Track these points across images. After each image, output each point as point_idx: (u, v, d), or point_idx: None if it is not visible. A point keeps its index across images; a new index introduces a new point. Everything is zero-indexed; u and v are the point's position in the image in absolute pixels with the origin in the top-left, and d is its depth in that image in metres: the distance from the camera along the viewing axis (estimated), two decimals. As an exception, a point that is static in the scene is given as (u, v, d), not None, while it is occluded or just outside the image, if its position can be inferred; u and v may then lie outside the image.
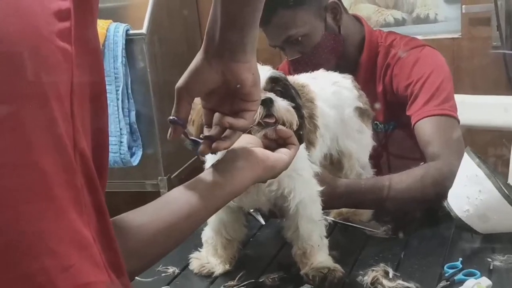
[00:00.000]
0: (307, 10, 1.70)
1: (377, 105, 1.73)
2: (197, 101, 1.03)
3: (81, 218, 0.62)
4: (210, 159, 1.18)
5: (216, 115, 1.00)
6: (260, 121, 1.10)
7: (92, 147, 0.67)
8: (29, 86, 0.58)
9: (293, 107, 1.15)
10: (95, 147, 0.68)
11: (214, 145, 0.97)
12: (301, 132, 1.18)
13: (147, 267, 0.96)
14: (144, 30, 2.54)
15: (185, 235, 0.97)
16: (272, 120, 1.11)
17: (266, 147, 1.07)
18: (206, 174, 0.99)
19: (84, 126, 0.65)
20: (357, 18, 1.86)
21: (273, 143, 1.09)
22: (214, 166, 1.00)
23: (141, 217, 0.92)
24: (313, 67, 1.58)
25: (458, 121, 1.63)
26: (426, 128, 1.61)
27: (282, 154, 1.05)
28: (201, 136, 1.00)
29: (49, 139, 0.59)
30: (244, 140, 1.05)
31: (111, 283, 0.65)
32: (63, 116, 0.61)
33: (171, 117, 0.97)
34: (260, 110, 1.10)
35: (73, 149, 0.62)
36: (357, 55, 1.80)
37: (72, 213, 0.61)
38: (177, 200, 0.95)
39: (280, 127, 1.09)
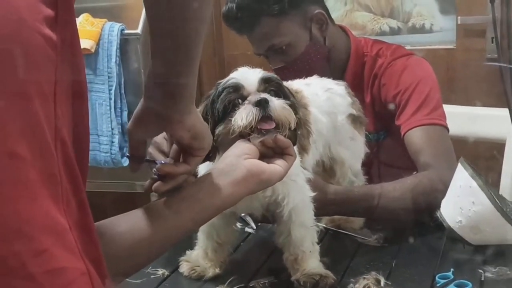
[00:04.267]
0: (291, 20, 1.70)
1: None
2: None
3: (57, 205, 0.61)
4: (203, 167, 1.18)
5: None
6: (259, 128, 1.09)
7: (73, 145, 0.67)
8: (7, 73, 0.57)
9: (289, 105, 1.14)
10: (76, 145, 0.67)
11: (154, 186, 0.97)
12: (298, 132, 1.18)
13: (130, 273, 0.95)
14: (139, 30, 2.53)
15: (169, 245, 0.96)
16: (271, 126, 1.10)
17: (262, 154, 1.06)
18: (197, 185, 0.98)
19: (67, 118, 0.64)
20: (343, 29, 1.86)
21: (270, 151, 1.08)
22: (206, 176, 0.99)
23: (125, 224, 0.92)
24: (297, 77, 1.55)
25: (448, 130, 1.64)
26: (416, 138, 1.61)
27: (277, 166, 1.04)
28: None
29: (26, 125, 0.58)
30: (241, 151, 1.04)
31: (88, 272, 0.63)
32: (44, 102, 0.60)
33: (127, 154, 0.98)
34: (255, 112, 1.09)
35: (54, 136, 0.61)
36: (343, 66, 1.80)
37: (46, 198, 0.60)
38: (164, 209, 0.94)
39: (279, 136, 1.08)
